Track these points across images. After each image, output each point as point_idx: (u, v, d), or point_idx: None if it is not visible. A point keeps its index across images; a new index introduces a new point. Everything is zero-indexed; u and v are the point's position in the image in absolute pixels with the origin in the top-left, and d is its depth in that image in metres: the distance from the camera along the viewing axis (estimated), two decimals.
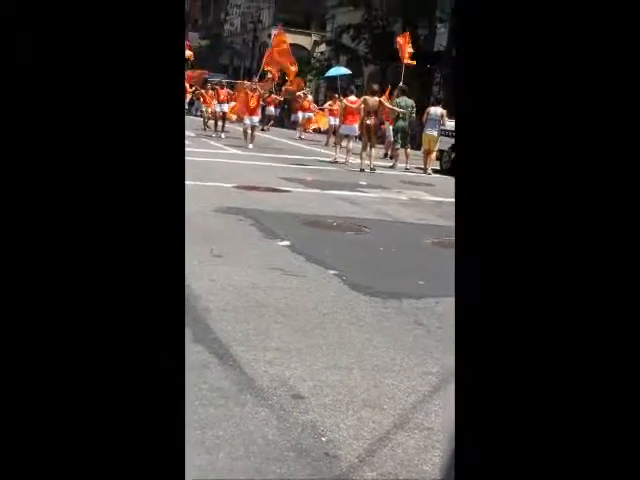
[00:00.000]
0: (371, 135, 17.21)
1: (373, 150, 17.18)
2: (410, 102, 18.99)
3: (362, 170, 16.53)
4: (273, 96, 29.75)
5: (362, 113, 17.43)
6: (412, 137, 19.93)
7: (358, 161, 17.14)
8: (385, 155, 20.43)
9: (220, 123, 24.09)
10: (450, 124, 18.87)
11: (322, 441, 3.11)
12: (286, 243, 7.40)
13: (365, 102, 17.24)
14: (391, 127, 19.41)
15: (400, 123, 18.72)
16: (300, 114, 29.74)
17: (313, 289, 5.69)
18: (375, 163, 17.19)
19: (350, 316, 5.03)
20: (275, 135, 28.36)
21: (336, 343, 4.41)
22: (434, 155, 18.67)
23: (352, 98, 18.40)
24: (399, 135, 18.73)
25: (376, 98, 17.46)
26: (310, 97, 29.54)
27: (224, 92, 24.80)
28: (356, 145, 18.54)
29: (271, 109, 31.89)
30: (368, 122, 17.07)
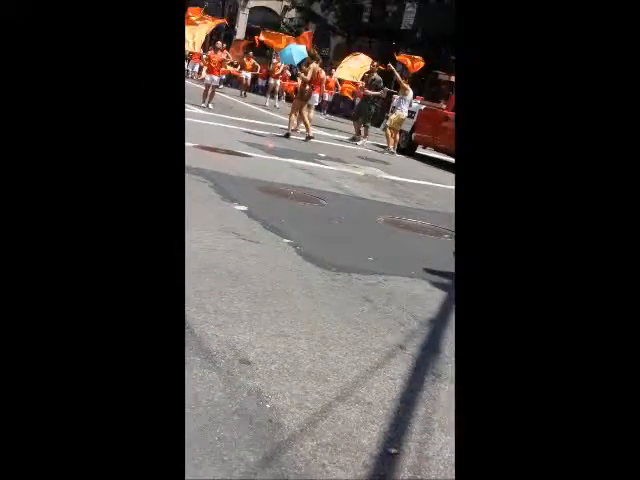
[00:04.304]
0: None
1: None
2: (380, 78, 19.14)
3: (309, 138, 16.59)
4: (252, 61, 29.92)
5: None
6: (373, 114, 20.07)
7: (315, 131, 17.15)
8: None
9: None
10: (415, 105, 19.02)
11: (266, 408, 3.18)
12: (243, 208, 7.43)
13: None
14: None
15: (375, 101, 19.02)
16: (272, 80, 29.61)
17: (267, 256, 5.74)
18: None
19: (301, 286, 5.10)
20: (243, 100, 28.27)
21: (286, 312, 4.48)
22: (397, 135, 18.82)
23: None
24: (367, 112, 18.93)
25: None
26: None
27: None
28: (319, 116, 18.53)
29: (247, 74, 32.01)
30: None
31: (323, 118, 25.46)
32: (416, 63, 22.84)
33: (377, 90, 19.01)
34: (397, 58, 22.87)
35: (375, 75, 19.12)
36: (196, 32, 22.01)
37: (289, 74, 26.04)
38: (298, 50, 20.57)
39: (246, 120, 18.77)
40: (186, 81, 23.26)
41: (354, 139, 18.94)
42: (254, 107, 25.80)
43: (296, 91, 17.70)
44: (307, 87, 16.94)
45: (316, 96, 17.99)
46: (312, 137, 16.55)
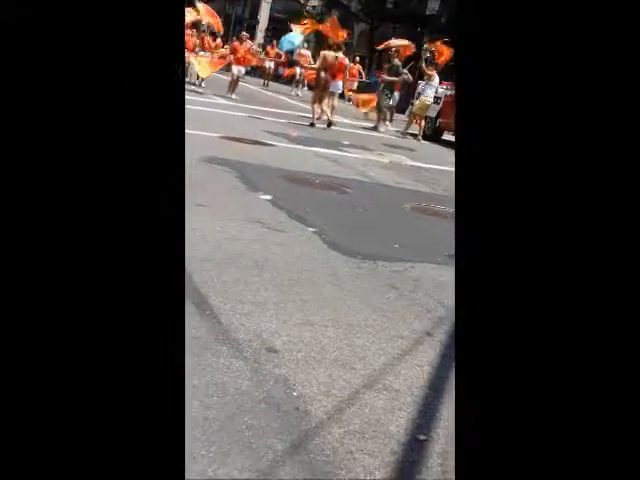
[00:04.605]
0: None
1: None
2: (399, 64, 19.05)
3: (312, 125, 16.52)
4: (275, 49, 29.94)
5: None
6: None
7: (338, 119, 17.09)
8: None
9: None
10: (440, 91, 18.90)
11: (293, 396, 3.19)
12: (268, 197, 7.44)
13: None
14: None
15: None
16: (297, 69, 29.48)
17: (292, 245, 5.75)
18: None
19: (327, 274, 5.11)
20: (266, 89, 28.29)
21: (312, 300, 4.49)
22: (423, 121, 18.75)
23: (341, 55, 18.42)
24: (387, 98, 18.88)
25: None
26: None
27: (208, 40, 24.37)
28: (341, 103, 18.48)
29: (270, 63, 32.09)
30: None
31: (355, 109, 25.43)
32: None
33: (397, 75, 18.89)
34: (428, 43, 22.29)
35: (395, 61, 19.00)
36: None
37: (312, 62, 25.96)
38: (289, 39, 20.53)
39: (270, 109, 18.79)
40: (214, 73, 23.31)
41: (376, 127, 18.87)
42: (278, 96, 25.82)
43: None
44: (322, 75, 16.88)
45: (339, 83, 17.85)
46: (334, 123, 16.53)
